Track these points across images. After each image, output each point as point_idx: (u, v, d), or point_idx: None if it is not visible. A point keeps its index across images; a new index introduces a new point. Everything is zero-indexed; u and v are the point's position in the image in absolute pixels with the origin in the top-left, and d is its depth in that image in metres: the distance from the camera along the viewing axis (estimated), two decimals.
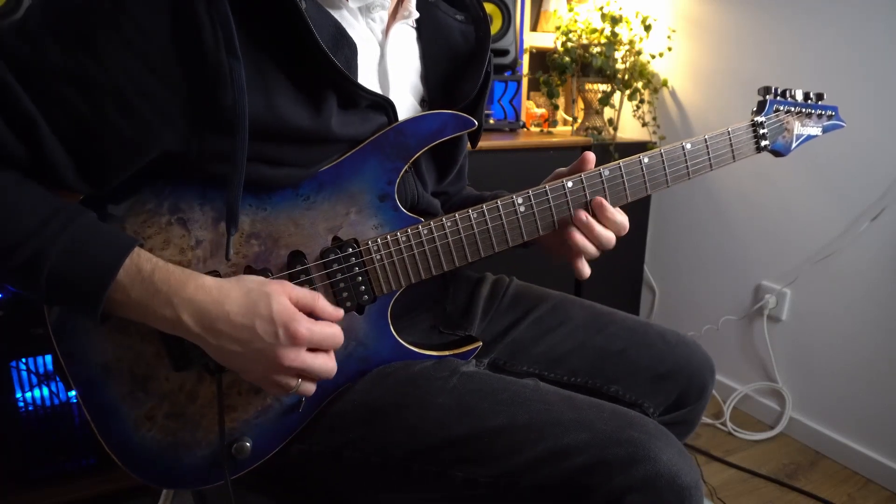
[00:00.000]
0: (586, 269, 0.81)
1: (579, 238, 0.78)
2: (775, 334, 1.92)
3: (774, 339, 1.92)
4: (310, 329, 0.63)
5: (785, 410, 1.90)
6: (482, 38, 0.86)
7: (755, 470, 1.73)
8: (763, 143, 0.89)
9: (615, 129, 2.08)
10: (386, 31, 0.79)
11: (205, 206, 0.68)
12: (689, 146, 0.83)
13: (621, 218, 0.80)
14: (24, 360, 1.34)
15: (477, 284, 0.99)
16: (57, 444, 1.39)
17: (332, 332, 0.66)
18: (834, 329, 1.76)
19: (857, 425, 1.74)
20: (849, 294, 1.71)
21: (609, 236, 0.79)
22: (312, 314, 0.66)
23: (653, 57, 2.02)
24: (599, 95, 2.02)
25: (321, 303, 0.66)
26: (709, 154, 0.84)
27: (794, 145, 0.92)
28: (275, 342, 0.62)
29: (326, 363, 0.66)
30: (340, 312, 0.69)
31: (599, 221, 0.78)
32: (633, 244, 2.23)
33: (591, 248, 0.78)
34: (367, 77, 0.76)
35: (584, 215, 0.78)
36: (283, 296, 0.63)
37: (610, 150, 1.99)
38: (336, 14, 0.72)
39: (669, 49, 2.03)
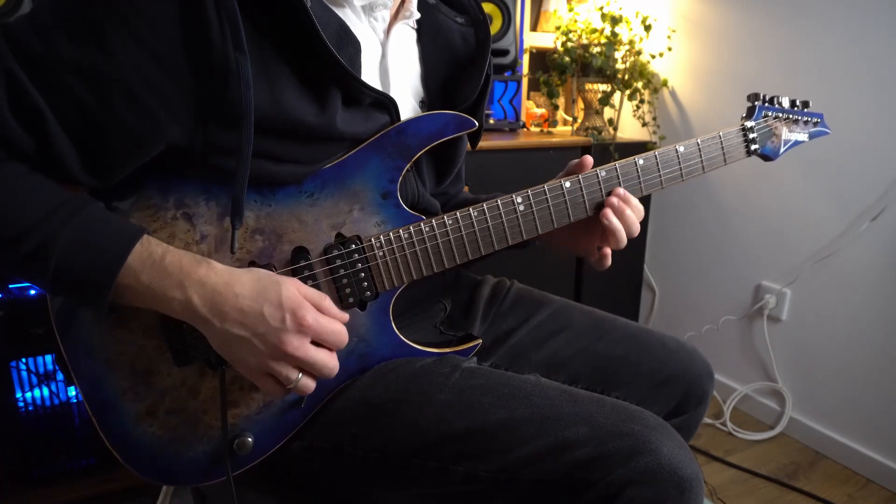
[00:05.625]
0: (608, 260, 0.85)
1: (612, 218, 0.80)
2: (775, 334, 1.92)
3: (774, 339, 1.93)
4: (316, 319, 0.64)
5: (785, 410, 1.90)
6: (482, 41, 0.86)
7: (755, 470, 1.74)
8: (753, 146, 0.91)
9: (615, 129, 2.08)
10: (387, 31, 0.79)
11: (210, 202, 0.68)
12: (682, 149, 0.85)
13: (640, 207, 0.83)
14: (24, 360, 1.34)
15: (478, 286, 0.99)
16: (57, 444, 1.39)
17: (338, 329, 0.66)
18: (834, 329, 1.76)
19: (857, 425, 1.74)
20: (849, 294, 1.72)
21: (635, 222, 0.81)
22: (319, 311, 0.66)
23: (653, 57, 2.03)
24: (599, 95, 2.02)
25: (328, 302, 0.67)
26: (701, 157, 0.86)
27: (782, 150, 0.95)
28: (281, 327, 0.62)
29: (329, 359, 0.66)
30: (346, 316, 0.69)
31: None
32: (633, 244, 2.21)
33: (621, 229, 0.80)
34: (370, 75, 0.77)
35: (615, 199, 0.80)
36: (292, 286, 0.64)
37: (610, 150, 1.99)
38: (340, 12, 0.72)
39: (669, 49, 2.03)
